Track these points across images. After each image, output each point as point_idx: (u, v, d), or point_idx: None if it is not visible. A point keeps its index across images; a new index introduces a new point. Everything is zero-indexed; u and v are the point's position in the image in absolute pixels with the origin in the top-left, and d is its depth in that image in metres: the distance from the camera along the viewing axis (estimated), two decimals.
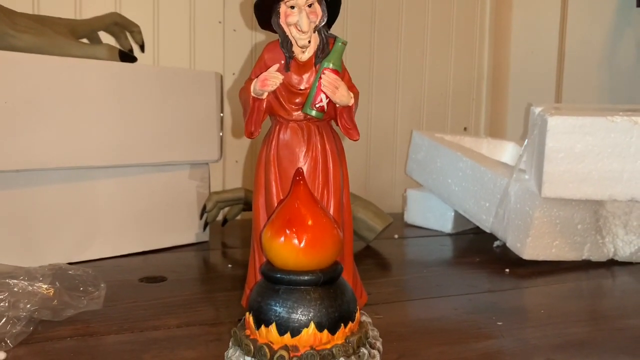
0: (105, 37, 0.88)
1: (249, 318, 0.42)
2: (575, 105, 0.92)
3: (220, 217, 0.93)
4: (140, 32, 0.87)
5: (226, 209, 0.91)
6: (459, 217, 0.96)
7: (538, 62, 1.24)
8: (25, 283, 0.46)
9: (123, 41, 0.88)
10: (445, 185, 0.91)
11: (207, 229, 0.86)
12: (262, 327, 0.40)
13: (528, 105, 0.82)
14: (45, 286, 0.47)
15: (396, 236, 0.94)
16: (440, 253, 0.86)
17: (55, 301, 0.48)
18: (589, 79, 1.22)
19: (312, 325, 0.39)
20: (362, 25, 1.16)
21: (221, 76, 0.84)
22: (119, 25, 0.85)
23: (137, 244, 0.78)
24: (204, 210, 0.83)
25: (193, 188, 0.84)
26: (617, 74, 1.22)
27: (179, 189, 0.82)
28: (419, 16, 1.23)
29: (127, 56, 0.77)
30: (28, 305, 0.46)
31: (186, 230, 0.84)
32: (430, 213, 1.00)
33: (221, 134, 0.84)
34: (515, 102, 1.26)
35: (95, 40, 0.86)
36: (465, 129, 1.32)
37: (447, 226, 0.97)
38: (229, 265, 0.74)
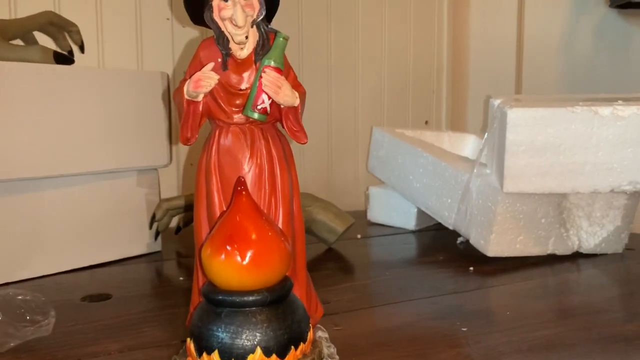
0: (45, 40, 0.82)
1: (190, 345, 0.38)
2: (534, 97, 0.90)
3: (174, 224, 0.88)
4: (78, 32, 0.81)
5: (182, 215, 0.86)
6: (422, 214, 0.93)
7: (497, 52, 1.23)
8: None
9: (61, 42, 0.82)
10: (407, 182, 0.88)
11: (159, 238, 0.81)
12: (204, 354, 0.36)
13: (487, 97, 0.80)
14: None
15: (359, 236, 0.91)
16: (404, 252, 0.83)
17: None
18: (548, 69, 1.21)
19: (259, 350, 0.36)
20: (318, 19, 1.12)
21: (168, 76, 0.80)
22: (54, 25, 0.79)
23: (83, 258, 0.73)
24: (153, 219, 0.78)
25: (142, 196, 0.79)
26: (575, 63, 1.21)
27: (126, 197, 0.77)
28: (376, 8, 1.20)
29: (63, 58, 0.72)
30: None
31: (136, 240, 0.79)
32: (393, 210, 0.97)
33: (170, 138, 0.80)
34: (475, 93, 1.24)
35: (31, 42, 0.80)
36: (426, 122, 1.29)
37: (410, 223, 0.95)
38: (181, 278, 0.69)
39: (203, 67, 0.41)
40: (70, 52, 0.81)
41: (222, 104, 0.42)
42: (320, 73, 1.14)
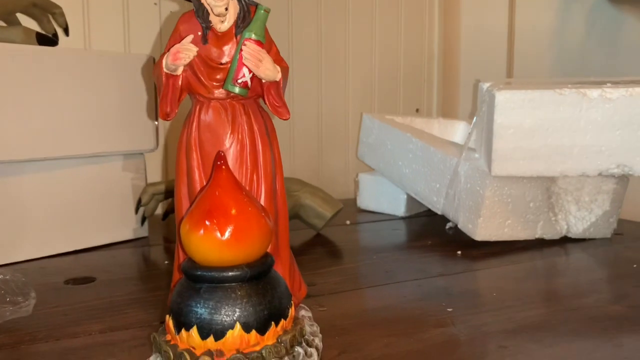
0: (29, 23, 0.81)
1: (169, 321, 0.37)
2: (524, 80, 0.90)
3: (160, 210, 0.87)
4: (62, 14, 0.80)
5: (169, 201, 0.85)
6: (411, 200, 0.93)
7: (488, 41, 1.22)
8: None
9: (45, 24, 0.81)
10: (396, 168, 0.88)
11: (146, 223, 0.80)
12: (183, 331, 0.36)
13: (476, 81, 0.79)
14: None
15: (348, 222, 0.90)
16: (392, 238, 0.83)
17: None
18: (539, 56, 1.21)
19: (238, 326, 0.35)
20: (308, 7, 1.11)
21: (154, 59, 0.79)
22: (38, 6, 0.78)
23: (68, 243, 0.72)
24: (139, 203, 0.78)
25: (128, 180, 0.78)
26: (566, 51, 1.21)
27: (112, 182, 0.77)
28: None
29: (46, 39, 0.71)
30: None
31: (122, 226, 0.78)
32: (383, 197, 0.97)
33: (157, 122, 0.79)
34: (467, 81, 1.24)
35: (14, 24, 0.78)
36: (417, 110, 1.29)
37: (400, 210, 0.95)
38: (166, 262, 0.69)
39: (182, 40, 0.40)
40: (55, 35, 0.80)
41: (202, 79, 0.41)
42: (310, 60, 1.13)
